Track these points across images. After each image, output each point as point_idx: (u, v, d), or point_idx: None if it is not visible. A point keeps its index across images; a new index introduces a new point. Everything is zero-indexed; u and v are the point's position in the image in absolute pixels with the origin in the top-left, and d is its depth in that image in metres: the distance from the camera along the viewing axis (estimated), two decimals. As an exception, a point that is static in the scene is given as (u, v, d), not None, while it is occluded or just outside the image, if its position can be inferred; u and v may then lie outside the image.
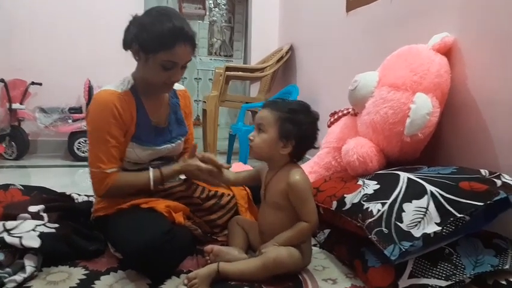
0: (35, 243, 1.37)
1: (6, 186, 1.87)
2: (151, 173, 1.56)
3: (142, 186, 1.56)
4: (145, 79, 1.57)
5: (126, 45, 1.53)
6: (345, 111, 2.05)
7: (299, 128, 1.39)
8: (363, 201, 1.43)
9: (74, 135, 3.77)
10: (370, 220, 1.33)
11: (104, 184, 1.51)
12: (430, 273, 1.21)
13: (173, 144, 1.71)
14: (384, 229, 1.27)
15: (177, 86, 1.79)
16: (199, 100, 5.80)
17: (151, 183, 1.56)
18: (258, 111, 1.61)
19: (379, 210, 1.33)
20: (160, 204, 1.52)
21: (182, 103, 1.81)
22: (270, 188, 1.45)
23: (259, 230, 1.52)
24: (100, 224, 1.60)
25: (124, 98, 1.54)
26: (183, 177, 1.74)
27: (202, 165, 1.59)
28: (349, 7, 2.74)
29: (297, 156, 1.46)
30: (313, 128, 1.43)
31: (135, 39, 1.49)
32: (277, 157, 1.43)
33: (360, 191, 1.49)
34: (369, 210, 1.36)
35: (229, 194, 1.75)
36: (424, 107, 1.54)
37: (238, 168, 2.47)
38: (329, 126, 2.13)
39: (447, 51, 1.70)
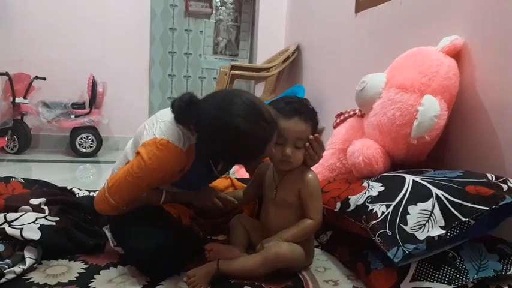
0: (35, 235, 1.38)
1: (7, 179, 1.87)
2: (163, 197, 1.50)
3: (150, 204, 1.50)
4: None
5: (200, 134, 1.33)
6: (351, 113, 2.04)
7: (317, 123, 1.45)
8: (368, 202, 1.41)
9: (76, 131, 3.77)
10: (374, 222, 1.32)
11: (114, 213, 1.42)
12: (432, 277, 1.20)
13: (209, 183, 1.67)
14: (387, 231, 1.26)
15: None
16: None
17: (161, 202, 1.51)
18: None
19: (383, 212, 1.32)
20: (169, 205, 1.52)
21: None
22: (282, 188, 1.45)
23: (264, 227, 1.51)
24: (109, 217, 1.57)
25: (185, 154, 1.36)
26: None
27: (218, 201, 1.57)
28: (358, 8, 2.73)
29: None
30: None
31: (220, 153, 1.32)
32: None
33: (365, 193, 1.47)
34: (374, 212, 1.35)
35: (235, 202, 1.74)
36: (432, 109, 1.52)
37: (241, 167, 2.46)
38: (335, 127, 2.12)
39: (456, 54, 1.69)
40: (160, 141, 1.32)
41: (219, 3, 4.87)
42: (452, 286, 1.17)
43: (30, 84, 3.72)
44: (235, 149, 1.25)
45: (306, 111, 1.40)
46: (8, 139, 3.64)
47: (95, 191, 1.78)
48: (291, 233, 1.38)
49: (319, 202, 1.43)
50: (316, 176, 1.45)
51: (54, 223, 1.48)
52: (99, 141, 3.82)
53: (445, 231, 1.20)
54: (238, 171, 2.49)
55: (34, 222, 1.44)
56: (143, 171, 1.32)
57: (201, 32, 4.74)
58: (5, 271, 1.23)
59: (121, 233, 1.46)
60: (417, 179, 1.40)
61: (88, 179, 2.90)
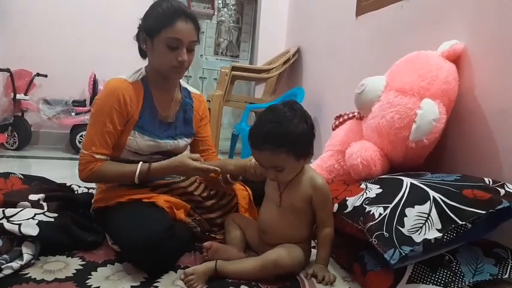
0: (34, 231, 1.37)
1: (6, 175, 1.87)
2: (139, 166, 1.54)
3: (126, 177, 1.54)
4: (156, 67, 1.60)
5: (139, 44, 1.62)
6: (350, 115, 2.04)
7: (306, 137, 1.36)
8: (365, 204, 1.42)
9: (76, 128, 3.77)
10: (371, 223, 1.32)
11: (88, 168, 1.51)
12: (429, 279, 1.20)
13: (175, 141, 1.70)
14: (384, 233, 1.26)
15: (192, 89, 1.84)
16: (203, 99, 5.78)
17: (137, 175, 1.52)
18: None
19: (380, 214, 1.32)
20: (162, 200, 1.52)
21: (196, 105, 1.81)
22: (288, 193, 1.43)
23: (260, 230, 1.50)
24: (100, 215, 1.59)
25: (133, 86, 1.58)
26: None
27: (200, 165, 1.54)
28: (359, 12, 2.74)
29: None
30: (309, 118, 1.38)
31: (141, 28, 1.58)
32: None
33: (362, 195, 1.48)
34: (371, 213, 1.36)
35: (230, 194, 1.74)
36: (430, 113, 1.53)
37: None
38: (333, 129, 2.12)
39: (456, 59, 1.70)
40: (107, 82, 1.60)
41: (221, 5, 4.89)
42: (447, 289, 1.17)
43: (32, 81, 3.73)
44: (150, 14, 1.56)
45: (274, 140, 1.30)
46: (8, 135, 3.65)
47: (94, 188, 1.78)
48: (326, 253, 1.41)
49: (331, 207, 1.46)
50: (325, 181, 1.44)
51: (52, 219, 1.48)
52: (99, 139, 3.81)
53: (441, 234, 1.20)
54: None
55: (32, 218, 1.43)
56: (97, 105, 1.54)
57: (203, 32, 4.74)
58: (2, 266, 1.23)
59: (114, 228, 1.48)
60: (415, 181, 1.41)
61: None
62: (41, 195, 1.61)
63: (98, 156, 1.51)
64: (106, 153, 1.53)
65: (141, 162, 1.56)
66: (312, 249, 1.57)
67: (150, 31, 1.54)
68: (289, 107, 1.36)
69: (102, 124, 1.51)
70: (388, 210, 1.32)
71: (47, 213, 1.50)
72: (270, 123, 1.32)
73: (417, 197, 1.32)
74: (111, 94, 1.53)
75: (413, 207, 1.28)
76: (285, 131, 1.30)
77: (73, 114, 3.78)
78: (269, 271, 1.32)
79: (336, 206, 1.54)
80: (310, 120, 1.38)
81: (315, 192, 1.40)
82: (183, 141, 1.74)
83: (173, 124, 1.70)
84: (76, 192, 1.95)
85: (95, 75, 3.79)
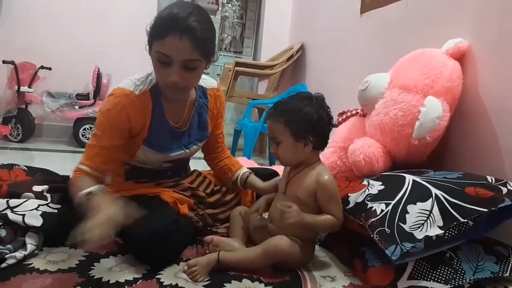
0: (37, 221, 1.38)
1: (10, 166, 1.87)
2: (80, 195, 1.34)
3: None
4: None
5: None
6: (354, 112, 2.04)
7: (309, 121, 1.37)
8: (367, 200, 1.42)
9: (79, 122, 3.78)
10: (373, 219, 1.33)
11: (71, 175, 1.45)
12: (429, 276, 1.21)
13: (187, 150, 1.63)
14: (386, 229, 1.26)
15: (208, 84, 1.66)
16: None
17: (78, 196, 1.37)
18: (265, 108, 1.58)
19: (382, 210, 1.33)
20: (166, 195, 1.52)
21: (211, 104, 1.66)
22: (294, 183, 1.44)
23: (269, 219, 1.52)
24: None
25: (139, 100, 1.44)
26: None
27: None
28: (363, 9, 2.73)
29: (322, 145, 1.45)
30: (323, 113, 1.41)
31: (147, 33, 1.43)
32: (307, 156, 1.43)
33: (365, 191, 1.48)
34: (373, 209, 1.36)
35: (233, 191, 1.75)
36: (434, 110, 1.54)
37: (242, 163, 2.47)
38: (336, 126, 2.12)
39: (460, 57, 1.70)
40: (112, 91, 1.47)
41: (226, 0, 4.89)
42: (448, 286, 1.18)
43: (36, 73, 3.74)
44: (155, 18, 1.37)
45: (277, 112, 1.41)
46: (11, 127, 3.66)
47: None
48: (314, 217, 1.37)
49: (339, 203, 1.42)
50: (331, 175, 1.42)
51: (56, 210, 1.49)
52: (102, 132, 3.82)
53: (443, 231, 1.20)
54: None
55: (36, 208, 1.44)
56: (99, 119, 1.44)
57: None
58: (6, 256, 1.24)
59: None
60: (417, 178, 1.41)
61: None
62: (45, 187, 1.61)
63: (80, 166, 1.43)
64: (90, 165, 1.42)
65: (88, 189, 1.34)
66: (316, 246, 1.58)
67: (148, 39, 1.39)
68: (312, 96, 1.44)
69: (97, 138, 1.43)
70: (390, 207, 1.32)
71: (50, 205, 1.51)
72: (287, 100, 1.44)
73: (419, 194, 1.32)
74: (113, 108, 1.42)
75: (415, 204, 1.28)
76: (291, 107, 1.40)
77: (77, 107, 3.79)
78: (270, 256, 1.32)
79: (337, 202, 1.55)
80: (327, 115, 1.42)
81: (319, 187, 1.40)
82: (195, 147, 1.67)
83: (187, 132, 1.60)
84: (79, 184, 1.95)
85: (98, 69, 3.80)
